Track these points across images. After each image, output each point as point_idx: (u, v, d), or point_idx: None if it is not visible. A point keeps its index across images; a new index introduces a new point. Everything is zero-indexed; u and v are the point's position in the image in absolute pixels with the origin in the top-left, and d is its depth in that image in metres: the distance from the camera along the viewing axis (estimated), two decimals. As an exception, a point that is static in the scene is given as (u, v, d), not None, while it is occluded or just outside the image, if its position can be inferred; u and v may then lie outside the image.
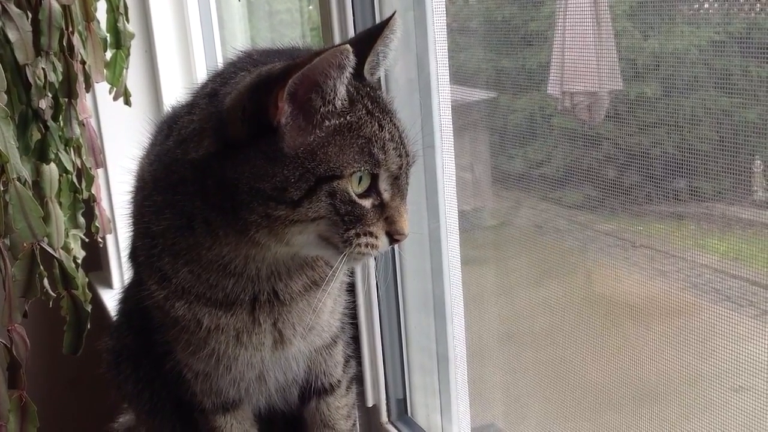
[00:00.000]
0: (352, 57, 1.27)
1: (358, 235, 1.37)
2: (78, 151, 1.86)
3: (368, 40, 1.43)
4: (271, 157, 1.31)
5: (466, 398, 1.99)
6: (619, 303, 1.62)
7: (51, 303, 1.75)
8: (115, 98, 2.03)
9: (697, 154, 1.38)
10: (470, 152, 2.00)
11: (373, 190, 1.37)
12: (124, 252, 1.71)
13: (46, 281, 1.68)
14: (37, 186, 1.74)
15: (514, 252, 1.95)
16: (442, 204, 1.92)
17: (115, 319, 1.94)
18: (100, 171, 2.04)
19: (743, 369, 1.33)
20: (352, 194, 1.34)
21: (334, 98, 1.31)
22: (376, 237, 1.39)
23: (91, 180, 1.88)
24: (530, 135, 1.78)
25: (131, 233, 1.62)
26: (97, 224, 1.99)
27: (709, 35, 1.38)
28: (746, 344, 1.33)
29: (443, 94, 1.87)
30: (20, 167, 1.55)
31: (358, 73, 1.39)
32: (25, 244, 1.57)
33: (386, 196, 1.38)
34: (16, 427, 1.63)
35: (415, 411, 2.07)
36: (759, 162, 1.34)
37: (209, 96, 1.42)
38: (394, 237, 1.41)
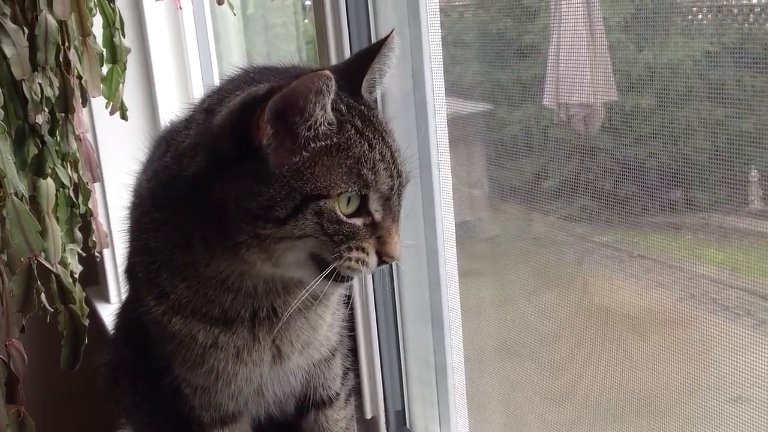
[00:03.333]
0: (331, 83, 1.27)
1: (349, 249, 1.36)
2: (75, 166, 1.86)
3: (366, 58, 1.43)
4: (257, 176, 1.31)
5: (464, 409, 1.98)
6: (616, 314, 1.62)
7: (48, 318, 1.74)
8: (112, 113, 2.03)
9: (692, 165, 1.39)
10: (467, 164, 2.01)
11: (363, 210, 1.35)
12: (121, 266, 1.71)
13: (43, 296, 1.67)
14: (34, 201, 1.74)
15: (511, 263, 1.95)
16: (439, 215, 1.92)
17: (112, 333, 1.94)
18: (96, 185, 2.04)
19: (741, 379, 1.33)
20: (340, 214, 1.33)
21: (317, 121, 1.30)
22: (367, 253, 1.38)
23: (87, 194, 1.88)
24: (526, 147, 1.79)
25: (129, 249, 1.61)
26: (94, 239, 1.99)
27: (703, 46, 1.39)
28: (744, 354, 1.33)
29: (439, 106, 1.87)
30: (17, 182, 1.55)
31: (354, 92, 1.40)
32: (22, 259, 1.57)
33: (377, 216, 1.37)
34: (14, 442, 1.62)
35: (413, 423, 2.06)
36: (755, 172, 1.34)
37: (206, 112, 1.42)
38: (383, 258, 1.39)
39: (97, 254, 2.04)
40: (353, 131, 1.34)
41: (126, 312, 1.84)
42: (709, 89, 1.37)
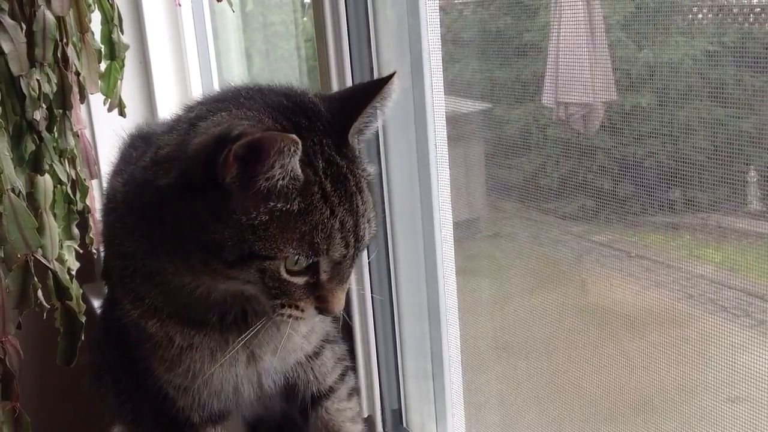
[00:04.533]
0: (296, 147, 1.23)
1: (282, 306, 1.36)
2: (72, 163, 1.85)
3: (361, 101, 1.38)
4: (216, 213, 1.28)
5: (461, 408, 1.98)
6: (614, 313, 1.62)
7: (45, 314, 1.74)
8: (110, 109, 2.03)
9: (691, 165, 1.39)
10: (465, 163, 2.01)
11: (310, 269, 1.33)
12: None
13: (40, 293, 1.67)
14: (32, 198, 1.73)
15: (509, 262, 1.95)
16: (437, 214, 1.92)
17: (93, 334, 1.93)
18: (94, 182, 2.03)
19: (739, 379, 1.33)
20: (283, 273, 1.31)
21: (274, 176, 1.26)
22: (302, 310, 1.37)
23: (85, 191, 1.87)
24: (525, 146, 1.78)
25: (104, 253, 1.60)
26: (91, 235, 1.98)
27: (703, 46, 1.39)
28: (742, 354, 1.33)
29: (437, 104, 1.87)
30: (14, 178, 1.55)
31: (342, 137, 1.36)
32: (19, 256, 1.57)
33: (324, 277, 1.34)
34: (10, 439, 1.62)
35: (410, 421, 2.06)
36: (754, 172, 1.34)
37: (190, 123, 1.38)
38: (321, 312, 1.38)
39: (94, 251, 2.04)
40: (318, 195, 1.30)
41: (106, 314, 1.83)
42: (708, 89, 1.37)
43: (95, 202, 2.05)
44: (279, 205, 1.27)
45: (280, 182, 1.26)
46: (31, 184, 1.73)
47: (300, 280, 1.33)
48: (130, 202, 1.46)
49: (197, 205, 1.30)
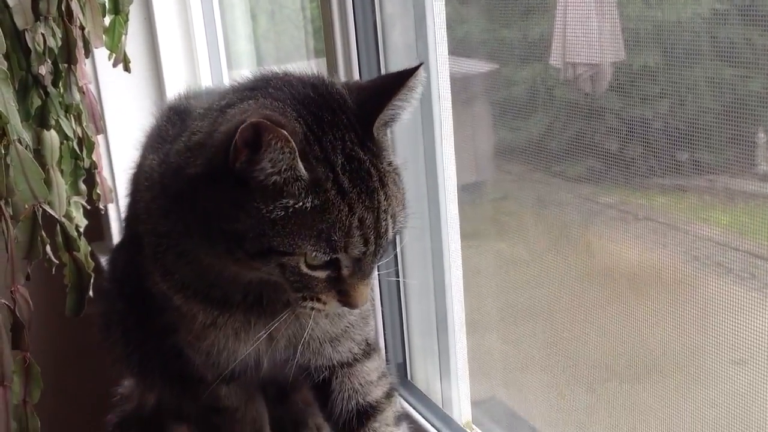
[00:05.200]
0: (284, 144, 1.23)
1: (304, 299, 1.37)
2: (78, 119, 1.85)
3: (385, 94, 1.37)
4: (238, 202, 1.29)
5: (465, 364, 1.99)
6: (621, 275, 1.62)
7: (54, 270, 1.75)
8: (115, 65, 2.02)
9: (699, 126, 1.38)
10: (472, 125, 2.00)
11: (331, 264, 1.33)
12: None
13: (48, 248, 1.68)
14: (39, 154, 1.74)
15: (516, 225, 1.95)
16: (442, 176, 1.91)
17: (105, 283, 1.94)
18: (101, 140, 2.03)
19: (744, 341, 1.33)
20: (303, 268, 1.31)
21: (269, 171, 1.26)
22: (325, 303, 1.37)
23: (91, 147, 1.87)
24: (532, 107, 1.78)
25: (141, 226, 1.58)
26: (98, 191, 1.99)
27: (711, 4, 1.37)
28: (748, 317, 1.33)
29: (442, 65, 1.85)
30: (20, 129, 1.55)
31: (366, 130, 1.35)
32: (26, 206, 1.57)
33: (345, 272, 1.34)
34: (20, 388, 1.63)
35: (414, 375, 2.08)
36: (762, 134, 1.33)
37: (220, 111, 1.39)
38: (344, 305, 1.39)
39: (101, 207, 2.05)
40: (334, 192, 1.29)
41: (121, 264, 1.84)
42: (717, 48, 1.36)
43: (102, 159, 2.05)
44: (291, 202, 1.27)
45: (276, 177, 1.26)
46: (38, 141, 1.74)
47: (321, 274, 1.34)
48: (165, 185, 1.46)
49: (221, 194, 1.31)
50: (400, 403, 1.80)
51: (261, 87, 1.41)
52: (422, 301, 2.02)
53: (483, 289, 2.04)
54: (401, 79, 1.36)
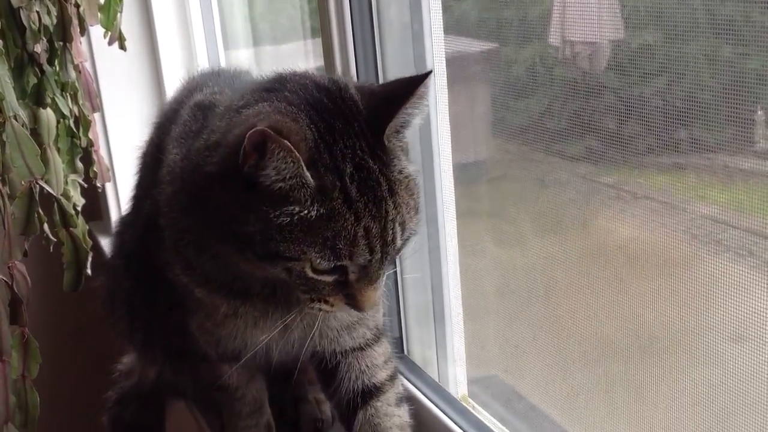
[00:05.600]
0: (286, 154, 1.25)
1: (312, 300, 1.39)
2: (74, 98, 1.85)
3: (395, 102, 1.37)
4: (248, 204, 1.31)
5: (461, 339, 1.99)
6: (619, 254, 1.62)
7: (52, 248, 1.76)
8: (110, 43, 2.01)
9: (698, 104, 1.37)
10: (471, 104, 1.99)
11: (337, 270, 1.35)
12: (124, 203, 1.72)
13: (46, 226, 1.69)
14: (35, 133, 1.74)
15: (513, 204, 1.95)
16: (437, 157, 1.91)
17: (111, 258, 1.95)
18: (97, 118, 2.03)
19: (743, 318, 1.33)
20: (309, 273, 1.33)
21: (274, 178, 1.28)
22: (332, 305, 1.40)
23: (88, 125, 1.88)
24: (531, 86, 1.77)
25: (163, 220, 1.58)
26: (95, 169, 1.99)
27: (711, -21, 1.37)
28: (746, 294, 1.33)
29: (437, 42, 1.84)
30: (16, 106, 1.55)
31: (377, 137, 1.36)
32: (23, 183, 1.58)
33: (352, 277, 1.36)
34: (19, 363, 1.65)
35: (411, 349, 2.08)
36: (761, 111, 1.33)
37: (237, 111, 1.40)
38: (351, 308, 1.41)
39: (98, 185, 2.05)
40: (340, 201, 1.30)
41: (129, 241, 1.84)
42: (716, 26, 1.35)
43: (99, 138, 2.05)
44: (297, 209, 1.29)
45: (281, 184, 1.28)
46: (35, 119, 1.74)
47: (328, 278, 1.35)
48: (185, 181, 1.47)
49: (233, 195, 1.32)
50: (403, 385, 1.82)
51: (278, 89, 1.42)
52: (418, 279, 2.02)
53: (481, 266, 2.04)
54: (411, 87, 1.37)
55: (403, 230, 1.38)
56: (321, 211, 1.29)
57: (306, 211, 1.29)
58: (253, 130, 1.24)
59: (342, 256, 1.31)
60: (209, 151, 1.39)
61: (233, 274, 1.49)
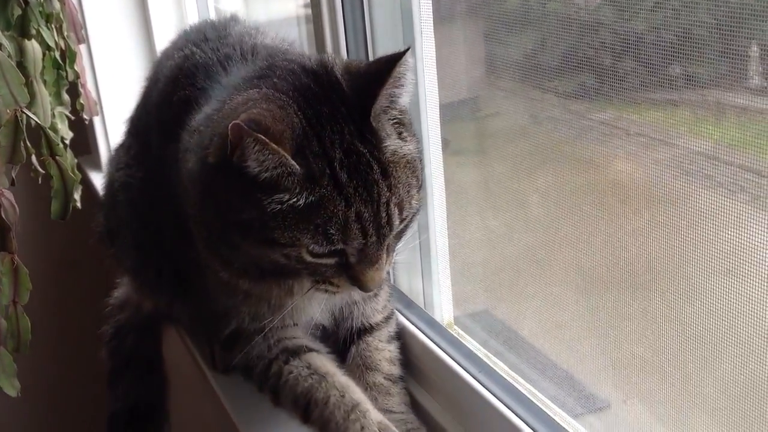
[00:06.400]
0: (260, 147, 1.26)
1: (317, 282, 1.42)
2: (60, 30, 1.84)
3: (376, 81, 1.37)
4: (243, 192, 1.32)
5: (447, 269, 1.99)
6: (612, 190, 1.62)
7: (40, 179, 1.76)
8: (94, -28, 2.00)
9: (692, 39, 1.36)
10: (464, 40, 1.97)
11: (337, 252, 1.36)
12: (113, 136, 1.72)
13: (34, 158, 1.69)
14: (21, 66, 1.72)
15: (505, 142, 1.94)
16: (423, 95, 1.88)
17: (115, 198, 1.95)
18: (84, 53, 2.02)
19: (733, 253, 1.34)
20: (307, 257, 1.35)
21: (258, 169, 1.29)
22: (338, 286, 1.42)
23: (73, 57, 1.86)
24: (525, 21, 1.75)
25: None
26: (81, 101, 1.98)
27: None
28: (736, 229, 1.33)
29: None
30: (0, 36, 1.54)
31: (364, 119, 1.36)
32: (8, 111, 1.57)
33: (352, 260, 1.37)
34: (9, 289, 1.66)
35: (397, 280, 2.08)
36: (755, 47, 1.32)
37: (230, 100, 1.43)
38: (356, 288, 1.42)
39: (86, 118, 2.04)
40: (330, 187, 1.31)
41: (135, 187, 1.85)
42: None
43: (85, 73, 2.03)
44: (286, 197, 1.30)
45: (265, 174, 1.29)
46: (21, 52, 1.72)
47: (329, 261, 1.37)
48: (200, 172, 1.47)
49: (231, 183, 1.33)
50: (397, 324, 1.86)
51: (267, 76, 1.44)
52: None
53: (469, 202, 2.03)
54: (389, 66, 1.37)
55: (401, 211, 1.39)
56: (311, 198, 1.30)
57: (295, 199, 1.30)
58: (231, 124, 1.25)
59: (335, 241, 1.32)
60: (210, 142, 1.40)
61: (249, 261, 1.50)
